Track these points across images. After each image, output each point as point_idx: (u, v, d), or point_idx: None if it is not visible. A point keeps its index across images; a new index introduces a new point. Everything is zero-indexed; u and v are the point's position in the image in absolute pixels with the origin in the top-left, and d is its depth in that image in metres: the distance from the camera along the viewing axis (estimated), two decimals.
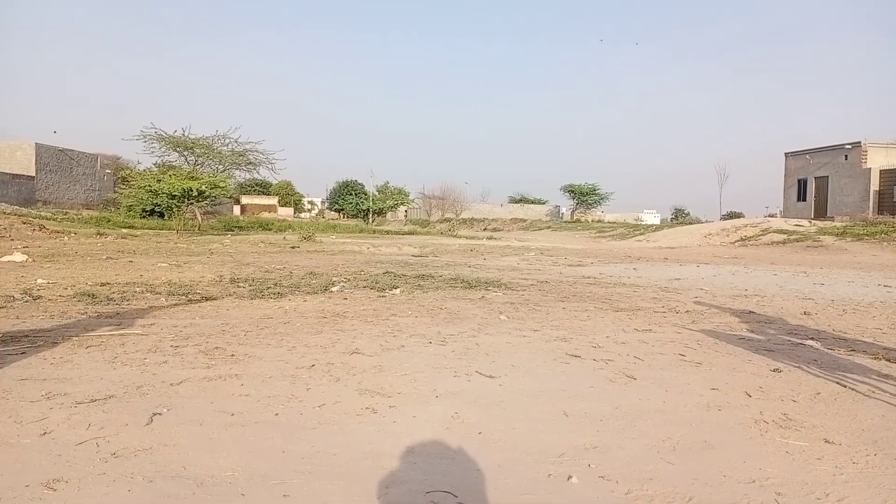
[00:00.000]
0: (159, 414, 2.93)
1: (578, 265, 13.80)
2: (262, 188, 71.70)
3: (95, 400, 3.13)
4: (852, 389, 3.75)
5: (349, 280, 8.86)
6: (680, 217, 68.92)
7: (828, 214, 34.82)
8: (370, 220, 55.88)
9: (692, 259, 17.01)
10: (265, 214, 53.41)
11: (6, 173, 34.27)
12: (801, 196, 39.47)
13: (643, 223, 56.04)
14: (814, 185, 38.25)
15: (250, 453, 2.51)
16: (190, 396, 3.24)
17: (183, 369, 3.77)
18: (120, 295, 6.72)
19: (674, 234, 30.75)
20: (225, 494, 2.14)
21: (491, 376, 3.88)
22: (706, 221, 46.77)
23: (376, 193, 61.21)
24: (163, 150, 32.68)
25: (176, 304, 6.31)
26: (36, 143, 36.59)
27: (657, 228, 38.46)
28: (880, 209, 32.18)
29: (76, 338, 4.58)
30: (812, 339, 5.38)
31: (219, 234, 25.28)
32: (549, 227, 49.91)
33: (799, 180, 39.76)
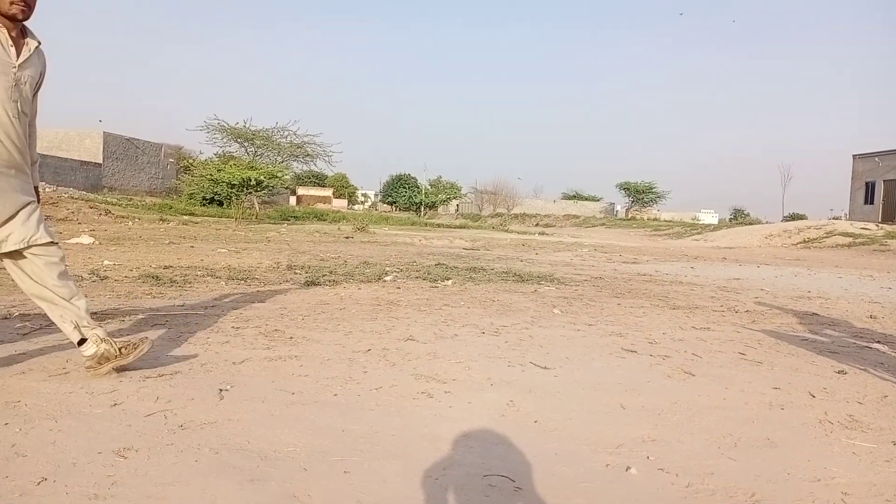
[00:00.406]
0: (225, 390, 3.01)
1: (633, 262, 13.60)
2: (318, 180, 72.83)
3: (163, 375, 3.24)
4: None
5: (402, 270, 8.93)
6: (739, 217, 67.21)
7: None
8: (422, 214, 56.17)
9: (752, 259, 16.58)
10: (320, 205, 54.25)
11: (75, 160, 35.61)
12: (869, 199, 38.06)
13: (700, 222, 54.79)
14: (882, 188, 36.83)
15: (311, 431, 2.56)
16: (252, 375, 3.33)
17: (244, 349, 3.87)
18: (182, 278, 6.93)
19: (733, 233, 30.01)
20: (287, 468, 2.19)
21: (545, 367, 3.86)
22: (766, 223, 45.47)
23: (429, 187, 61.43)
24: (224, 140, 33.59)
25: (235, 289, 6.48)
26: (104, 132, 37.91)
27: (715, 228, 37.61)
28: None
29: (142, 316, 4.75)
30: (879, 342, 5.19)
31: (275, 223, 25.78)
32: (602, 225, 49.33)
33: (867, 183, 38.33)
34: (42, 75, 3.10)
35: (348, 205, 71.71)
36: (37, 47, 3.00)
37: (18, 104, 2.89)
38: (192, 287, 6.41)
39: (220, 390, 3.01)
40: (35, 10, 2.91)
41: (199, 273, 7.46)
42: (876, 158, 37.59)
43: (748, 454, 2.56)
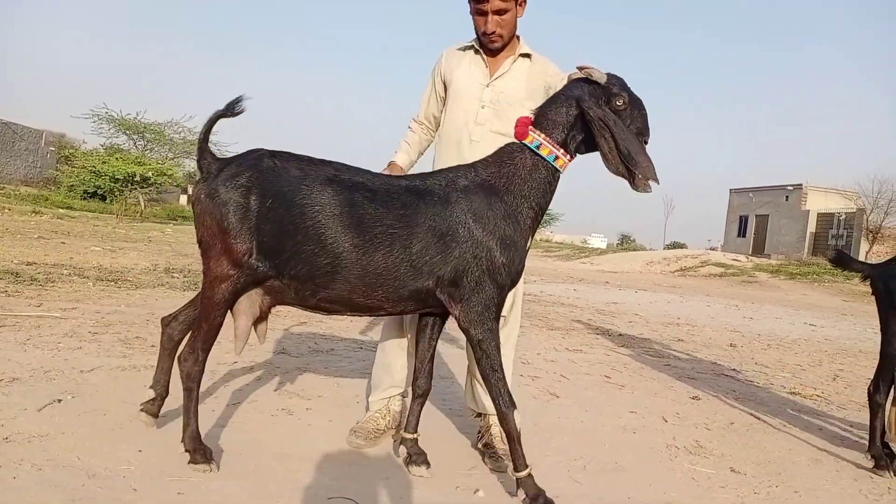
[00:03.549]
0: (60, 401, 2.81)
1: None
2: None
3: None
4: (765, 422, 3.86)
5: None
6: (626, 243, 70.07)
7: (765, 252, 35.94)
8: None
9: (632, 285, 17.32)
10: None
11: None
12: (742, 232, 40.69)
13: (589, 246, 56.88)
14: (754, 222, 39.48)
15: (152, 447, 2.42)
16: (99, 385, 3.12)
17: (97, 357, 3.64)
18: (45, 276, 6.47)
19: (618, 259, 31.26)
20: (116, 488, 2.06)
21: None
22: (650, 249, 47.71)
23: None
24: (112, 131, 31.87)
25: (103, 290, 6.11)
26: None
27: (602, 252, 39.10)
28: (814, 251, 33.39)
29: None
30: (734, 370, 5.52)
31: (161, 223, 24.63)
32: None
33: (741, 216, 40.99)
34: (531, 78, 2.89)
35: None
36: (517, 57, 2.87)
37: (487, 125, 2.82)
38: (54, 287, 5.99)
39: (59, 400, 2.81)
40: (510, 35, 2.83)
41: (65, 272, 6.99)
42: (750, 194, 40.31)
43: (595, 477, 2.63)
